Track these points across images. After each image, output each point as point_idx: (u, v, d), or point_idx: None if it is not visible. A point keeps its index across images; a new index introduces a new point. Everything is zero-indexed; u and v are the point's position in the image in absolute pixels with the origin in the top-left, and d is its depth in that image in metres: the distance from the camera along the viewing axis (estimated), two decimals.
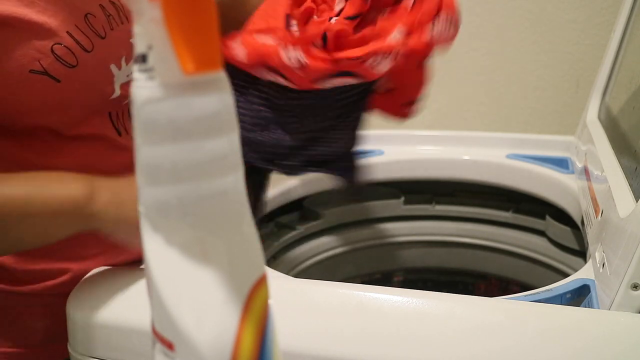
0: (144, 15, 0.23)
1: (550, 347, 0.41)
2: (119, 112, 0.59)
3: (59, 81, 0.51)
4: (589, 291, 0.51)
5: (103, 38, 0.54)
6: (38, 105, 0.52)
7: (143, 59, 0.24)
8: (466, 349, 0.42)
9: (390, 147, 0.95)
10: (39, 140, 0.54)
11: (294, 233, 0.87)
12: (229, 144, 0.24)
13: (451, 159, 0.92)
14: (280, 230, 0.87)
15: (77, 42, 0.52)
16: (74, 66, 0.51)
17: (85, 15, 0.53)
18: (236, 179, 0.25)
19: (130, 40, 0.58)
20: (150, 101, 0.23)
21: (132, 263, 0.61)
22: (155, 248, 0.25)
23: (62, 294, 0.56)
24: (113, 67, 0.56)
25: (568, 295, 0.51)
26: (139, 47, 0.24)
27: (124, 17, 0.58)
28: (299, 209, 0.91)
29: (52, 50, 0.50)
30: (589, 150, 0.73)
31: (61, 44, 0.50)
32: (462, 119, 1.34)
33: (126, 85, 0.58)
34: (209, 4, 0.23)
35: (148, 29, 0.23)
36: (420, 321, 0.44)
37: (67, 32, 0.51)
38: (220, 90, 0.24)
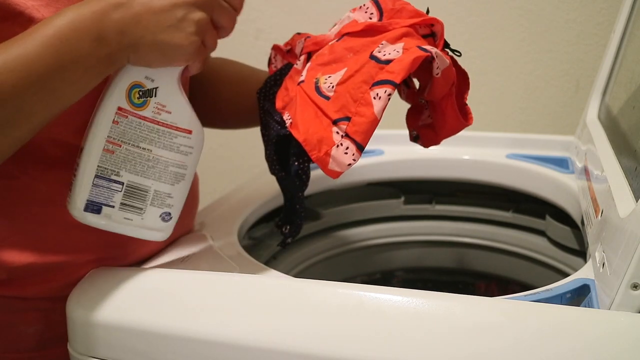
0: None
1: (550, 346, 0.41)
2: None
3: None
4: (589, 291, 0.51)
5: None
6: None
7: None
8: (466, 348, 0.42)
9: (390, 147, 0.95)
10: None
11: None
12: None
13: (451, 159, 0.92)
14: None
15: None
16: None
17: None
18: None
19: None
20: None
21: (131, 263, 0.61)
22: None
23: (55, 297, 0.56)
24: None
25: (568, 295, 0.51)
26: None
27: None
28: None
29: None
30: (589, 150, 0.73)
31: None
32: None
33: None
34: None
35: None
36: (420, 321, 0.44)
37: None
38: None
